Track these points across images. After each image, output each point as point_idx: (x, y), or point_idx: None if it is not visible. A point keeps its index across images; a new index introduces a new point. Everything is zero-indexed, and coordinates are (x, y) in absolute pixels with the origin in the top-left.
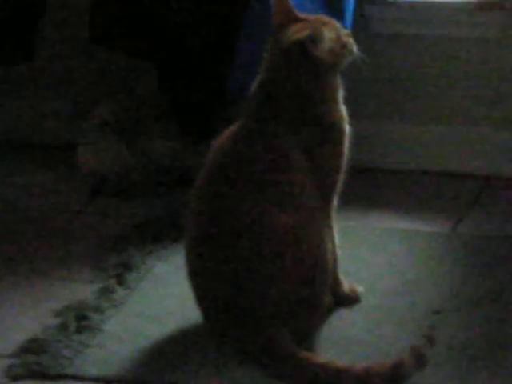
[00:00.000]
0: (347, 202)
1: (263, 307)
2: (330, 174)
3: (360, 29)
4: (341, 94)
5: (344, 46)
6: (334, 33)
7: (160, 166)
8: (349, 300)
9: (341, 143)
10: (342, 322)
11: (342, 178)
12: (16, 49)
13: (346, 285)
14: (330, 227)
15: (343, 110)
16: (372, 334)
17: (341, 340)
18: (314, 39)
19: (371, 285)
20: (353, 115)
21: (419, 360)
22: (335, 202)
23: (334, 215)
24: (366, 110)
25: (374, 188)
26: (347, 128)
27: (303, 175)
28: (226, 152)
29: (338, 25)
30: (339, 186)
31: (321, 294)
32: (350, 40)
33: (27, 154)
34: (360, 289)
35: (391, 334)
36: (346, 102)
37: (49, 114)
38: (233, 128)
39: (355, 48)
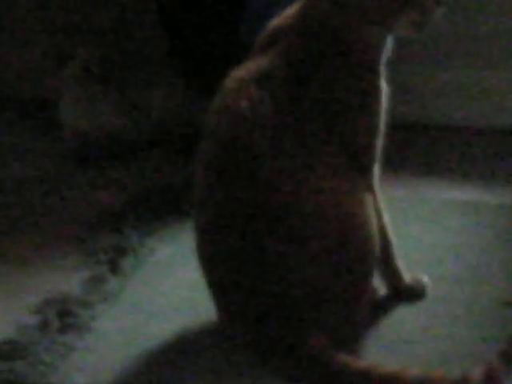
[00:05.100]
0: (393, 167)
1: (294, 301)
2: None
3: None
4: None
5: None
6: None
7: (159, 123)
8: (412, 294)
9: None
10: (389, 317)
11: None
12: None
13: (408, 275)
14: (375, 201)
15: None
16: (427, 332)
17: (388, 339)
18: None
19: (425, 271)
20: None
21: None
22: (377, 170)
23: (378, 186)
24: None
25: (427, 149)
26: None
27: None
28: (242, 107)
29: None
30: (378, 152)
31: (366, 284)
32: None
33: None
34: (425, 279)
35: (451, 332)
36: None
37: (26, 63)
38: (240, 74)
39: None
